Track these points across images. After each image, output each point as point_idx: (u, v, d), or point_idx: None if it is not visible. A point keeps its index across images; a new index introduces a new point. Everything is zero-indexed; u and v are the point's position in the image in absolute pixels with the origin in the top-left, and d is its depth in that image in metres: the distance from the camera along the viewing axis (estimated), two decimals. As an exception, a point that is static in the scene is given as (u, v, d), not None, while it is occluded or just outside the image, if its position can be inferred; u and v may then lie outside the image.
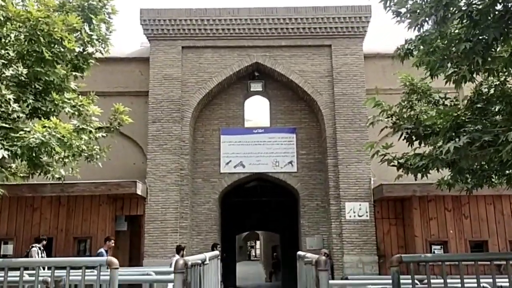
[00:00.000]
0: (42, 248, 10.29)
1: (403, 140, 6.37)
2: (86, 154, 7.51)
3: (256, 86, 13.22)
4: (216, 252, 9.16)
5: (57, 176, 7.61)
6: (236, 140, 13.07)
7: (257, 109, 13.52)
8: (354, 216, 11.79)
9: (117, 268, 5.41)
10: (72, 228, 11.30)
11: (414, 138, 6.30)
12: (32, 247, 10.21)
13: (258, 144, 13.06)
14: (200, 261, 6.36)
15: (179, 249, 10.35)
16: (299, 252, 10.08)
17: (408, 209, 11.48)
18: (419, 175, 6.22)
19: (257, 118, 13.40)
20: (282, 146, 13.04)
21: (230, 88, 13.38)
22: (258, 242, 49.37)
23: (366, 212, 11.80)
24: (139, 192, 11.25)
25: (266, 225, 19.70)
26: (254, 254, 52.54)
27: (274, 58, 12.77)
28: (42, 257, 10.05)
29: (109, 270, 5.32)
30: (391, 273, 5.28)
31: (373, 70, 13.08)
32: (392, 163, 6.34)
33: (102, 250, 10.05)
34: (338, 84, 12.51)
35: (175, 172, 12.03)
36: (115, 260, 5.39)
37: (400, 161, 6.27)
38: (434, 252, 10.98)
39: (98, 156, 7.70)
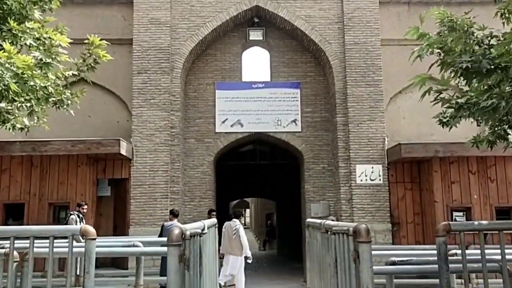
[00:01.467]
0: (81, 215, 8.98)
1: (459, 77, 5.00)
2: (54, 99, 6.03)
3: (256, 35, 11.68)
4: (214, 220, 7.89)
5: (19, 126, 6.14)
6: (233, 95, 11.61)
7: (256, 61, 12.01)
8: (366, 180, 10.57)
9: (94, 239, 4.12)
10: (46, 192, 9.89)
11: (472, 75, 4.94)
12: (71, 214, 8.91)
13: (258, 101, 11.63)
14: (199, 231, 5.06)
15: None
16: (310, 219, 8.86)
17: (427, 172, 10.27)
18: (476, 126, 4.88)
19: (256, 71, 11.91)
20: (284, 102, 11.64)
21: (226, 37, 11.82)
22: (248, 211, 49.41)
23: (379, 175, 10.57)
24: (123, 152, 9.83)
25: (263, 191, 18.51)
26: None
27: (276, 1, 11.19)
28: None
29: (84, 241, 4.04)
30: (437, 245, 4.05)
31: (387, 18, 11.62)
32: (448, 104, 4.99)
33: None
34: (349, 32, 11.03)
35: (165, 130, 10.60)
36: (91, 229, 4.08)
37: (459, 101, 4.90)
38: (455, 220, 9.85)
39: (69, 102, 6.22)
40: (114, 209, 10.93)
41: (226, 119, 11.53)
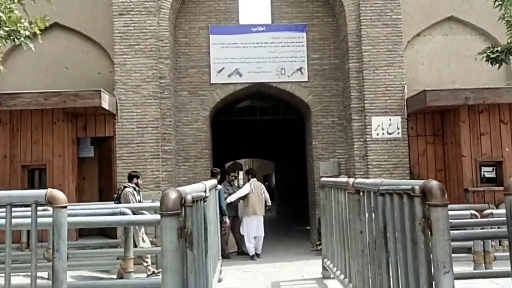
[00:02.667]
0: (137, 188, 7.64)
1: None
2: (7, 29, 4.62)
3: (255, -31, 10.13)
4: (214, 181, 6.69)
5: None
6: (229, 41, 10.17)
7: (256, 0, 10.50)
8: (383, 133, 9.37)
9: (64, 207, 2.92)
10: (18, 153, 8.57)
11: None
12: (124, 187, 7.51)
13: (258, 47, 10.21)
14: (203, 194, 3.84)
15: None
16: (326, 178, 7.69)
17: (453, 123, 9.09)
18: None
19: (256, 12, 10.41)
20: (288, 48, 10.24)
21: (220, -28, 10.26)
22: (241, 173, 48.55)
23: (398, 128, 9.37)
24: (105, 106, 8.46)
25: (260, 152, 17.33)
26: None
27: None
28: (138, 201, 7.44)
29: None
30: (506, 204, 3.19)
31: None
32: None
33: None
34: (363, -37, 9.54)
35: (153, 81, 9.20)
36: (59, 195, 2.92)
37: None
38: (484, 176, 8.77)
39: (27, 33, 4.81)
40: (99, 171, 9.67)
41: (223, 68, 10.13)
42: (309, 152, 10.81)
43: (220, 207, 8.30)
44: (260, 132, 15.93)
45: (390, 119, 9.37)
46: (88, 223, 5.64)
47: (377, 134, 9.36)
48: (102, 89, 8.33)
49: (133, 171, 8.09)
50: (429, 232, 2.94)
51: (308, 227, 12.04)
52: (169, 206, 2.88)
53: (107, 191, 9.41)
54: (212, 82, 10.10)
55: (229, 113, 11.70)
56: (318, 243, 9.63)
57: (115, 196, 7.75)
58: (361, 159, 9.43)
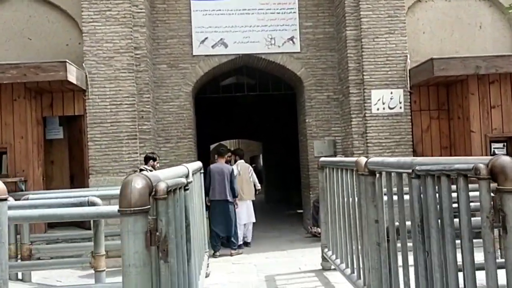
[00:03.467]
0: (153, 171, 6.66)
1: None
2: None
3: None
4: (198, 163, 5.81)
5: None
6: (213, 7, 9.14)
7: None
8: (383, 108, 8.53)
9: (4, 200, 2.04)
10: (-27, 136, 7.52)
11: None
12: (141, 170, 6.67)
13: (245, 14, 9.21)
14: (183, 180, 2.92)
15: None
16: (327, 158, 6.84)
17: (460, 96, 8.29)
18: None
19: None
20: (279, 15, 9.25)
21: None
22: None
23: (400, 102, 8.54)
24: (72, 79, 7.41)
25: (248, 132, 16.42)
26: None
27: None
28: None
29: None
30: None
31: None
32: None
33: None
34: None
35: (127, 52, 8.15)
36: None
37: None
38: (494, 153, 8.03)
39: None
40: (70, 155, 8.65)
41: (206, 38, 9.12)
42: (301, 131, 9.94)
43: (233, 189, 7.82)
44: (247, 111, 15.01)
45: (391, 93, 8.53)
46: (49, 216, 4.70)
47: (377, 109, 8.53)
48: (67, 60, 7.26)
49: (151, 152, 7.56)
50: (503, 229, 2.10)
51: (301, 211, 11.26)
52: (132, 201, 1.99)
53: (79, 177, 8.43)
54: (194, 53, 9.10)
55: (214, 90, 10.72)
56: (313, 229, 8.87)
57: None
58: (360, 137, 8.60)
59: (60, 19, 8.90)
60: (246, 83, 10.95)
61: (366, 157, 8.29)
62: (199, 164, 5.62)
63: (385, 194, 3.77)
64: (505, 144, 8.04)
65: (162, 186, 2.15)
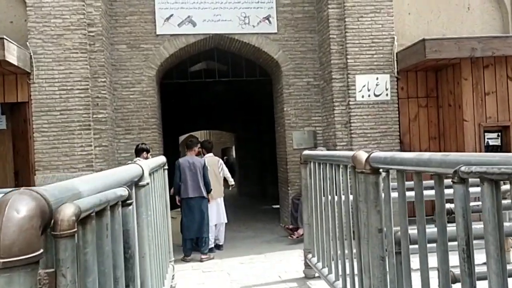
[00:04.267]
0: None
1: None
2: None
3: None
4: (162, 158, 4.88)
5: None
6: (179, -19, 8.11)
7: None
8: (369, 95, 7.75)
9: None
10: None
11: None
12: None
13: (216, -11, 8.22)
14: (123, 193, 1.92)
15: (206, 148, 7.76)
16: (312, 152, 6.00)
17: (451, 82, 7.58)
18: None
19: None
20: (253, -8, 8.32)
21: None
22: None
23: (386, 89, 7.78)
24: (12, 60, 6.28)
25: (219, 123, 15.46)
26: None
27: None
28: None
29: None
30: None
31: None
32: None
33: None
34: None
35: (79, 29, 7.05)
36: None
37: None
38: (488, 143, 7.39)
39: None
40: (13, 147, 7.51)
41: (171, 15, 8.09)
42: (279, 120, 9.07)
43: (206, 184, 6.93)
44: (218, 99, 14.04)
45: (377, 78, 7.76)
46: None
47: (362, 97, 7.74)
48: (5, 37, 6.13)
49: (142, 143, 6.80)
50: None
51: (277, 206, 10.45)
52: (5, 244, 0.99)
53: (24, 174, 7.31)
54: (158, 33, 8.07)
55: (181, 76, 9.70)
56: (290, 226, 8.06)
57: None
58: (343, 127, 7.80)
59: (2, -8, 7.69)
60: (217, 69, 9.99)
61: (349, 149, 7.54)
62: (161, 159, 4.68)
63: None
64: (499, 134, 7.40)
65: (68, 212, 1.21)
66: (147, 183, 3.19)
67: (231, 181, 8.03)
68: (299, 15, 8.43)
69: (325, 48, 8.04)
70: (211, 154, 7.59)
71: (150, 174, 3.48)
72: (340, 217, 4.28)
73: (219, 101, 14.13)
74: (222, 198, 7.55)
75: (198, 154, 7.48)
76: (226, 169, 7.76)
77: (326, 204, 4.74)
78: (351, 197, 3.93)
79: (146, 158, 6.37)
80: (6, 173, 7.48)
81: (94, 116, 7.17)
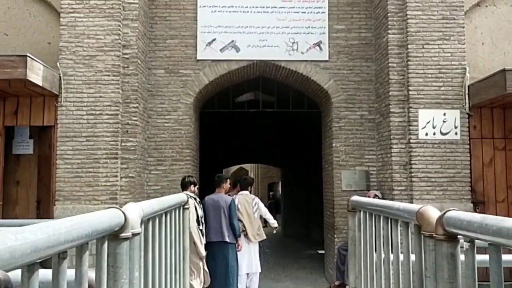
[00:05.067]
0: (197, 199, 5.67)
1: None
2: None
3: None
4: (178, 197, 4.01)
5: None
6: (223, 3, 7.53)
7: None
8: (434, 133, 6.64)
9: None
10: None
11: None
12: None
13: (263, 12, 7.56)
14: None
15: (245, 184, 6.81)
16: (361, 199, 4.98)
17: (538, 121, 6.34)
18: None
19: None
20: (304, 16, 7.57)
21: None
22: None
23: (455, 126, 6.64)
24: (36, 79, 5.83)
25: (265, 156, 14.63)
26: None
27: None
28: (198, 216, 5.55)
29: None
30: None
31: None
32: None
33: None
34: None
35: (113, 50, 6.57)
36: None
37: None
38: None
39: None
40: (38, 174, 7.03)
41: (214, 40, 7.49)
42: (326, 157, 8.09)
43: (232, 225, 6.00)
44: (265, 132, 13.29)
45: (444, 114, 6.65)
46: None
47: (426, 134, 6.64)
48: (29, 54, 5.69)
49: (189, 175, 6.05)
50: None
51: (322, 251, 9.33)
52: None
53: (45, 203, 6.77)
54: (198, 58, 7.47)
55: (225, 106, 9.01)
56: (336, 283, 6.94)
57: None
58: (402, 169, 6.70)
59: (43, 13, 7.45)
60: (263, 100, 9.25)
61: (410, 195, 6.40)
62: (174, 198, 3.84)
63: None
64: None
65: None
66: (135, 234, 2.35)
67: (273, 222, 7.00)
68: (354, 42, 7.56)
69: (383, 78, 7.07)
70: (246, 192, 6.70)
71: (148, 220, 2.66)
72: (397, 285, 3.23)
73: (265, 134, 13.37)
74: (256, 244, 6.58)
75: (228, 192, 6.63)
76: (264, 209, 6.81)
77: (379, 265, 3.70)
78: (412, 257, 2.92)
79: (194, 191, 5.75)
80: (30, 201, 6.97)
81: (123, 144, 6.56)
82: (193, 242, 5.40)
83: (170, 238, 3.48)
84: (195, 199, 5.63)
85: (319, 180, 9.53)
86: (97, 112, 6.48)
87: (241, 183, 6.79)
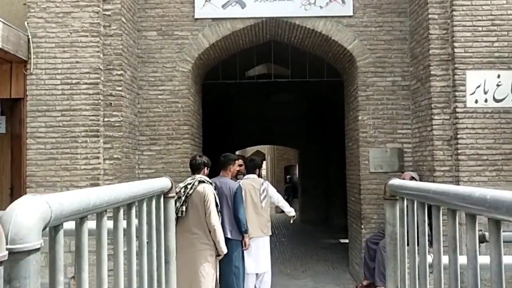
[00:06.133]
0: (213, 184, 4.70)
1: None
2: None
3: None
4: (155, 183, 2.78)
5: None
6: (226, -49, 6.29)
7: None
8: (486, 100, 5.36)
9: None
10: None
11: None
12: (200, 182, 4.54)
13: (273, -40, 6.30)
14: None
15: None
16: (401, 182, 3.80)
17: None
18: None
19: None
20: (322, -38, 6.28)
21: None
22: (264, 163, 44.25)
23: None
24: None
25: (281, 137, 13.43)
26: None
27: None
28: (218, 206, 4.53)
29: None
30: None
31: None
32: None
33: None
34: None
35: (91, 5, 5.42)
36: None
37: None
38: None
39: None
40: (11, 157, 6.00)
41: (215, -6, 6.27)
42: (351, 134, 6.87)
43: (237, 219, 4.84)
44: (280, 109, 12.11)
45: (498, 76, 5.35)
46: None
47: (476, 102, 5.36)
48: (-19, 8, 4.60)
49: (199, 155, 4.96)
50: None
51: (345, 241, 8.22)
52: None
53: (18, 190, 5.75)
54: (196, 16, 6.27)
55: (230, 76, 7.83)
56: (364, 283, 5.81)
57: (180, 195, 4.44)
58: (446, 145, 5.45)
59: (17, -31, 6.31)
60: (275, 74, 8.06)
61: (456, 177, 5.16)
62: (149, 183, 2.71)
63: None
64: None
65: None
66: (21, 251, 1.22)
67: (289, 211, 5.75)
68: (383, -7, 6.25)
69: (421, 34, 5.78)
70: (253, 176, 5.54)
71: (56, 228, 1.50)
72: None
73: (281, 113, 12.17)
74: (266, 238, 5.43)
75: (236, 175, 5.49)
76: (276, 195, 5.62)
77: (436, 268, 2.53)
78: (482, 259, 1.79)
79: (207, 174, 4.70)
80: (2, 188, 5.97)
81: (106, 119, 5.46)
82: (217, 240, 4.38)
83: (140, 242, 2.31)
84: (212, 184, 4.56)
85: (340, 162, 8.35)
86: (74, 81, 5.38)
87: (246, 164, 5.63)
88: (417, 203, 2.62)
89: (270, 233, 5.44)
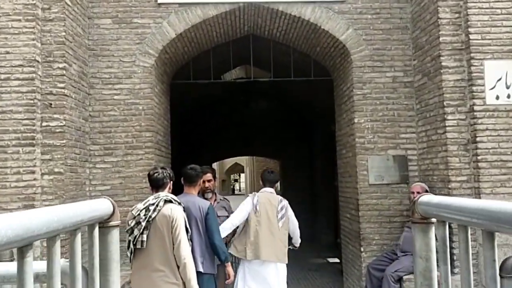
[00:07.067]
0: (180, 203, 3.50)
1: None
2: None
3: None
4: (98, 206, 1.49)
5: None
6: None
7: None
8: (508, 96, 4.48)
9: None
10: None
11: None
12: (167, 201, 3.47)
13: None
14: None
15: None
16: (443, 199, 2.77)
17: None
18: None
19: None
20: None
21: None
22: (242, 175, 43.17)
23: (540, 85, 4.48)
24: None
25: (261, 147, 12.41)
26: (238, 188, 47.63)
27: None
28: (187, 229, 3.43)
29: None
30: None
31: None
32: None
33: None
34: None
35: (26, -18, 4.34)
36: None
37: None
38: None
39: None
40: None
41: (182, -25, 5.26)
42: (344, 140, 5.89)
43: (213, 245, 3.80)
44: (259, 118, 11.15)
45: (522, 67, 4.48)
46: None
47: (497, 98, 4.47)
48: None
49: (162, 166, 3.87)
50: None
51: (334, 260, 7.22)
52: None
53: None
54: (160, 1, 5.24)
55: (210, 84, 6.76)
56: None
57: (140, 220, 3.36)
58: (462, 150, 4.53)
59: None
60: (255, 77, 7.07)
61: (477, 190, 4.24)
62: (70, 210, 1.64)
63: None
64: None
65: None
66: None
67: (297, 239, 4.66)
68: (381, -27, 5.36)
69: (427, 20, 4.88)
70: (270, 189, 4.50)
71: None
72: None
73: (260, 121, 11.20)
74: (282, 267, 4.33)
75: (204, 192, 4.44)
76: (295, 223, 4.49)
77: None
78: None
79: (172, 191, 3.64)
80: None
81: (44, 124, 4.35)
82: (187, 278, 3.29)
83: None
84: (181, 205, 3.47)
85: (327, 173, 7.39)
86: (2, 76, 4.26)
87: (264, 177, 4.56)
88: (463, 228, 1.61)
89: (287, 261, 4.36)
